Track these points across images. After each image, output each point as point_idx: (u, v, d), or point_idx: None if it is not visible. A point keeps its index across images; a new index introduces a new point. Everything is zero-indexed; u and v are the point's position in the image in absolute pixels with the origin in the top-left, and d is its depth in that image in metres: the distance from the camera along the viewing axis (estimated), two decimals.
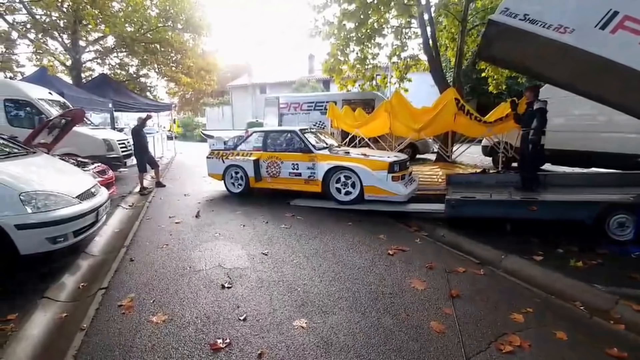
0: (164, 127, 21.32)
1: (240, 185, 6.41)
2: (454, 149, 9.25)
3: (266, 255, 3.59)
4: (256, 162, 6.10)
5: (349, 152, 5.75)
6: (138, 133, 6.93)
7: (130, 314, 2.50)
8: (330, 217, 5.00)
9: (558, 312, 2.59)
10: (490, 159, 9.91)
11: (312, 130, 7.02)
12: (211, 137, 7.61)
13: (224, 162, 6.49)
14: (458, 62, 9.82)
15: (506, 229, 4.21)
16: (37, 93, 7.35)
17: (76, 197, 3.41)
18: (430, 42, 9.94)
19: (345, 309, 2.56)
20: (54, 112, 6.95)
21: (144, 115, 7.38)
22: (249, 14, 68.17)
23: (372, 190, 5.17)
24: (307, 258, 3.51)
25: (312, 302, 2.65)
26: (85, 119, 8.37)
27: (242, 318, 2.42)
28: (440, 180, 7.58)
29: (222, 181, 6.62)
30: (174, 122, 20.33)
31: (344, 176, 5.40)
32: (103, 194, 3.94)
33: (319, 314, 2.50)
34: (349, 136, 9.04)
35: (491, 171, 7.43)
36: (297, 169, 5.81)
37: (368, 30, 10.99)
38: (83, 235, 3.44)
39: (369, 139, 8.56)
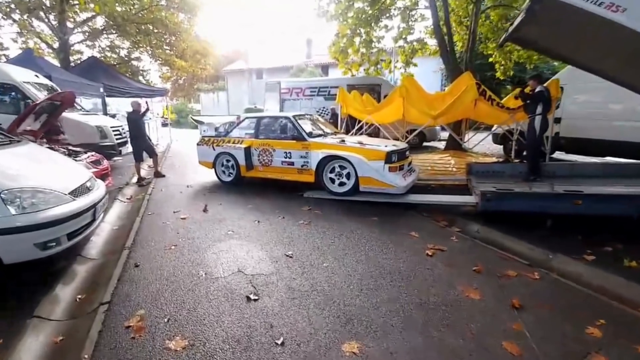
0: (158, 114, 20.51)
1: (231, 174, 6.10)
2: (467, 137, 8.81)
3: (291, 257, 3.16)
4: (247, 150, 5.73)
5: (344, 141, 5.32)
6: (134, 119, 6.35)
7: (141, 338, 2.06)
8: (350, 210, 4.57)
9: (628, 322, 2.25)
10: (501, 147, 9.56)
11: (309, 116, 6.59)
12: (201, 123, 7.40)
13: (214, 149, 6.18)
14: (471, 45, 9.29)
15: (542, 225, 3.84)
16: (23, 76, 6.67)
17: (69, 193, 2.91)
18: (442, 23, 9.38)
19: (398, 327, 2.16)
20: (41, 96, 6.31)
21: (139, 100, 6.76)
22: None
23: (367, 182, 4.77)
24: (337, 261, 3.10)
25: (358, 319, 2.24)
26: (75, 104, 7.74)
27: (279, 342, 2.00)
28: (454, 169, 7.21)
29: (213, 169, 6.33)
30: (167, 109, 19.52)
31: (339, 166, 5.00)
32: (100, 189, 3.44)
33: (370, 334, 2.09)
34: (359, 123, 8.53)
35: (515, 160, 7.08)
36: (290, 158, 5.42)
37: (376, 11, 10.36)
38: (78, 237, 2.96)
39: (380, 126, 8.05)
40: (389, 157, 4.69)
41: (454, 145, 10.16)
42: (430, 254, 3.24)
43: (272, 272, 2.89)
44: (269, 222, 4.14)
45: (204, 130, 6.61)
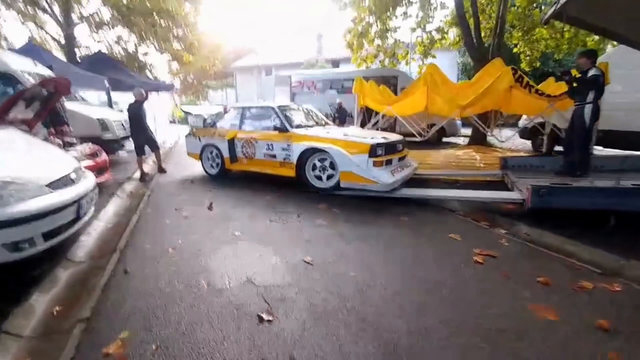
0: (167, 113, 20.27)
1: (217, 166, 5.90)
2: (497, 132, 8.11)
3: (311, 264, 2.63)
4: (231, 142, 5.45)
5: (329, 132, 4.85)
6: (135, 109, 5.90)
7: None
8: (374, 209, 4.01)
9: None
10: (529, 142, 8.86)
11: (300, 107, 6.17)
12: (190, 113, 7.31)
13: (200, 140, 6.02)
14: (499, 31, 8.61)
15: (602, 225, 3.24)
16: (19, 64, 6.27)
17: (47, 185, 2.43)
18: (467, 8, 8.73)
19: None
20: (43, 93, 5.91)
21: (142, 90, 6.31)
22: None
23: (348, 177, 4.26)
24: (367, 270, 2.55)
25: (408, 351, 1.70)
26: (76, 96, 7.37)
27: None
28: (481, 164, 6.60)
29: (200, 161, 6.15)
30: (176, 107, 19.25)
31: (323, 159, 4.52)
32: (88, 181, 2.97)
33: None
34: (375, 116, 7.95)
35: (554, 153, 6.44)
36: (272, 150, 5.00)
37: None
38: (58, 237, 2.48)
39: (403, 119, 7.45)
40: (373, 151, 4.17)
41: (478, 140, 9.52)
42: (480, 261, 2.67)
43: (288, 282, 2.36)
44: (282, 222, 3.61)
45: (194, 122, 6.49)
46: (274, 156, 5.00)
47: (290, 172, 4.82)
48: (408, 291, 2.25)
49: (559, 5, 3.93)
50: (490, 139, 9.61)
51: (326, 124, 5.92)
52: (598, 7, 3.76)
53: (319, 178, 4.63)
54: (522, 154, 7.79)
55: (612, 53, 7.13)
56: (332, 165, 4.46)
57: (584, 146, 4.48)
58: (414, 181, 4.92)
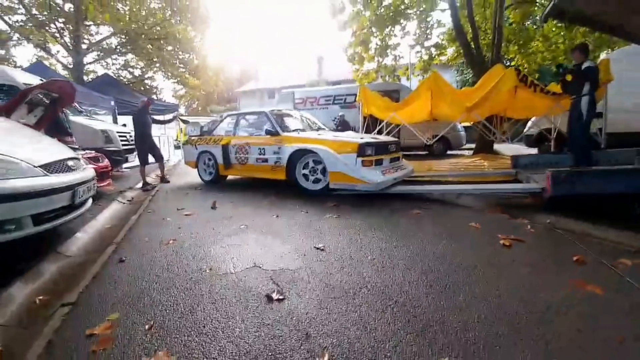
0: (173, 137, 20.51)
1: (212, 172, 5.89)
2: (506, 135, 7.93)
3: (323, 250, 2.39)
4: (225, 148, 5.43)
5: (320, 134, 4.77)
6: (140, 117, 5.85)
7: (104, 352, 1.32)
8: (385, 205, 3.78)
9: None
10: (536, 150, 8.69)
11: (294, 113, 6.14)
12: (187, 122, 7.50)
13: (196, 148, 6.04)
14: (497, 42, 8.72)
15: (625, 212, 3.04)
16: (25, 79, 6.34)
17: (40, 166, 2.28)
18: (464, 21, 8.91)
19: (506, 335, 1.35)
20: (45, 100, 5.94)
21: (146, 98, 6.32)
22: (256, 19, 68.63)
23: (337, 177, 4.10)
24: (386, 253, 2.31)
25: (440, 325, 1.45)
26: (82, 109, 7.39)
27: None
28: (489, 170, 6.40)
29: (196, 169, 6.17)
30: (181, 131, 19.49)
31: (313, 160, 4.39)
32: (86, 171, 2.81)
33: (466, 348, 1.29)
34: (380, 124, 7.87)
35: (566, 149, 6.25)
36: (264, 154, 4.94)
37: (391, 14, 10.04)
38: (50, 223, 2.29)
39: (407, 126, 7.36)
40: (361, 150, 4.03)
41: (484, 149, 9.38)
42: (507, 244, 2.43)
43: (299, 267, 2.12)
44: (289, 216, 3.40)
45: (191, 130, 6.50)
46: (266, 160, 4.92)
47: (281, 175, 4.71)
48: (436, 271, 2.00)
49: (556, 1, 3.94)
50: (497, 147, 9.48)
51: (319, 128, 5.82)
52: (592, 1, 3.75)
53: (309, 179, 4.49)
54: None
55: (618, 52, 7.07)
56: (323, 169, 4.31)
57: (584, 139, 4.36)
58: (421, 182, 4.74)
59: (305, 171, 4.51)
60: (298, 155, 4.50)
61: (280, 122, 5.15)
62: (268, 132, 4.91)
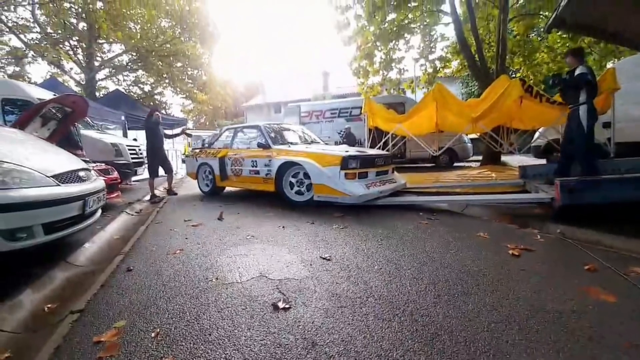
0: (181, 151, 20.86)
1: (208, 184, 6.12)
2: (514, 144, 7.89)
3: (329, 260, 2.38)
4: (221, 160, 5.64)
5: (309, 147, 4.87)
6: (152, 126, 5.96)
7: (112, 357, 1.32)
8: (392, 216, 3.76)
9: None
10: (544, 160, 8.60)
11: (292, 127, 6.26)
12: (190, 135, 7.89)
13: (197, 160, 6.26)
14: (501, 53, 8.80)
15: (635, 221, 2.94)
16: (39, 94, 6.56)
17: (52, 176, 2.34)
18: (466, 32, 9.02)
19: (519, 345, 1.32)
20: (59, 115, 6.12)
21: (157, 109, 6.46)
22: (262, 33, 70.39)
23: (321, 190, 4.15)
24: (392, 263, 2.29)
25: (449, 334, 1.42)
26: (93, 124, 7.59)
27: None
28: (498, 181, 6.35)
29: (196, 180, 6.40)
30: (188, 145, 19.81)
31: (304, 174, 4.45)
32: (96, 182, 2.87)
33: (477, 357, 1.26)
34: (385, 136, 7.91)
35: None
36: (256, 166, 5.06)
37: (395, 29, 10.22)
38: (60, 232, 2.33)
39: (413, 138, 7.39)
40: (345, 163, 4.06)
41: (492, 160, 9.32)
42: (516, 253, 2.39)
43: (306, 276, 2.11)
44: (295, 227, 3.40)
45: (194, 143, 6.79)
46: (258, 172, 5.03)
47: (271, 187, 4.80)
48: (443, 280, 1.97)
49: (558, 11, 3.98)
50: (504, 158, 9.42)
51: (313, 142, 5.84)
52: (590, 7, 3.78)
53: (296, 191, 4.56)
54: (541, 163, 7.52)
55: (625, 62, 7.04)
56: (308, 179, 4.37)
57: (587, 149, 4.01)
58: (429, 193, 4.71)
59: (292, 183, 4.59)
60: (285, 167, 4.60)
61: (273, 136, 5.28)
62: (260, 145, 5.05)
